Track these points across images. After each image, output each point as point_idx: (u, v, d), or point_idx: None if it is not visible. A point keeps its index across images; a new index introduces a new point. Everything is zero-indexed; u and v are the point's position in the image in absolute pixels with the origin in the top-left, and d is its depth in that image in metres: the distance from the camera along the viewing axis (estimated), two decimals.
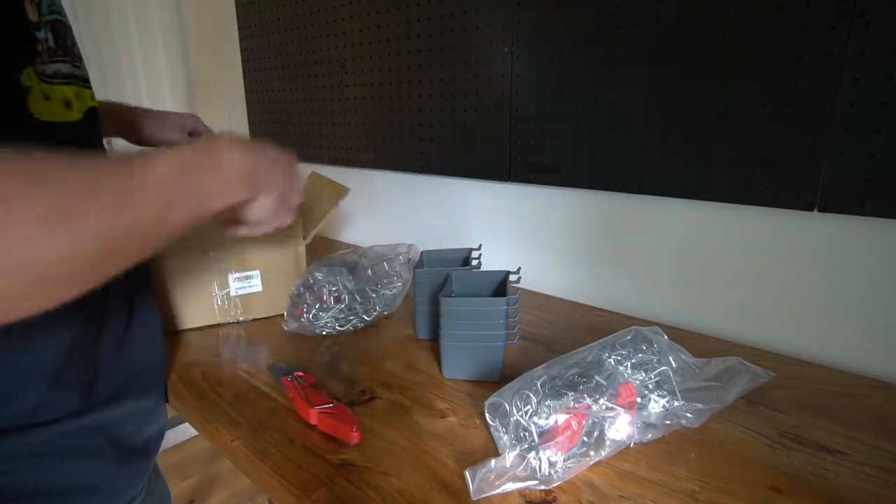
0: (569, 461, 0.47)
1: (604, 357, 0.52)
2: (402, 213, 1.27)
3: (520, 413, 0.48)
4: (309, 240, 0.89)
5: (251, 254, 0.82)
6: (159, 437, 0.59)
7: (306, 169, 1.06)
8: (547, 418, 0.47)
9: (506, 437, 0.48)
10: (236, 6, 1.57)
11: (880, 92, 0.60)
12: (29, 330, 0.43)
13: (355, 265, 0.84)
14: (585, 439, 0.48)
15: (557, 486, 0.46)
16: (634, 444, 0.51)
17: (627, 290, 0.89)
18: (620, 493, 0.46)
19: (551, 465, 0.46)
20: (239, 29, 1.59)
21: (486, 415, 0.51)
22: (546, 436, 0.46)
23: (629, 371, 0.51)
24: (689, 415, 0.51)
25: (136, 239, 0.34)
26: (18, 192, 0.27)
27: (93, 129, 0.50)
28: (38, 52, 0.42)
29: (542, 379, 0.50)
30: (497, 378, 0.65)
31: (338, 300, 0.78)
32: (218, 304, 0.82)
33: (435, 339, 0.73)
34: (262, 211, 0.49)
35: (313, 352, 0.74)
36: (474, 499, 0.45)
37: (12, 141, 0.27)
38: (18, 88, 0.40)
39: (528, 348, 0.74)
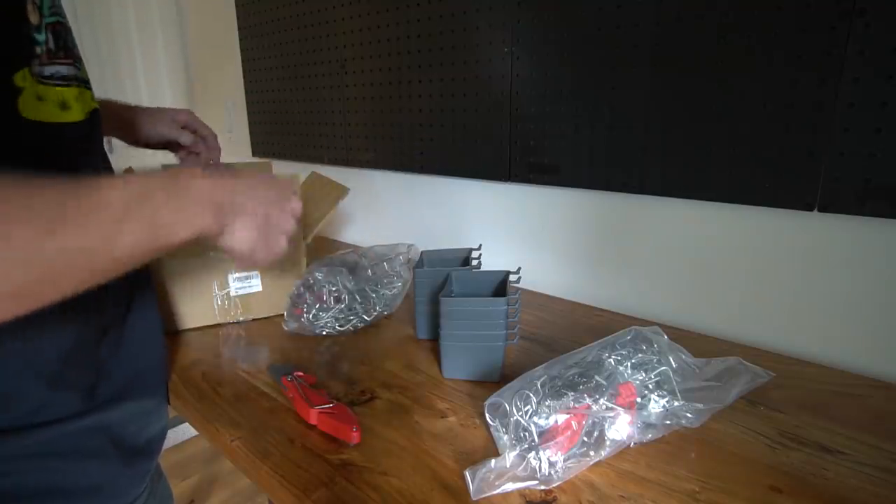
0: (569, 461, 0.47)
1: (604, 357, 0.52)
2: (402, 213, 1.27)
3: (520, 413, 0.48)
4: (309, 240, 0.89)
5: None
6: (161, 436, 0.59)
7: (306, 169, 1.06)
8: (547, 418, 0.47)
9: (506, 437, 0.48)
10: (236, 6, 1.57)
11: (880, 92, 0.60)
12: (29, 331, 0.43)
13: (355, 265, 0.84)
14: (585, 439, 0.48)
15: (557, 486, 0.46)
16: (634, 444, 0.51)
17: (627, 290, 0.89)
18: (620, 493, 0.46)
19: (551, 465, 0.46)
20: (239, 29, 1.59)
21: (486, 415, 0.51)
22: (546, 436, 0.47)
23: (629, 371, 0.51)
24: (689, 415, 0.51)
25: (80, 264, 0.32)
26: None
27: (93, 130, 0.50)
28: (36, 54, 0.42)
29: (542, 379, 0.50)
30: (497, 378, 0.65)
31: (338, 300, 0.79)
32: (218, 304, 0.82)
33: (435, 339, 0.73)
34: (243, 241, 0.45)
35: (313, 352, 0.74)
36: (474, 499, 0.45)
37: None
38: (10, 89, 0.40)
39: (528, 348, 0.74)
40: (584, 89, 0.85)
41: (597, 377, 0.50)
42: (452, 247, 0.83)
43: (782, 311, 0.74)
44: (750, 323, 0.77)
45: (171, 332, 0.79)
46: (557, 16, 0.86)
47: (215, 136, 0.82)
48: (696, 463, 0.50)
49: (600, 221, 0.91)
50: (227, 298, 0.82)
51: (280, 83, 1.49)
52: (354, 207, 1.39)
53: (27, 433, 0.44)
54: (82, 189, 0.33)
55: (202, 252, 0.79)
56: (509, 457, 0.46)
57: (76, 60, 0.48)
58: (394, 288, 0.84)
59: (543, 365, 0.53)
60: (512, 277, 0.68)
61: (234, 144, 1.75)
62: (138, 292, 0.55)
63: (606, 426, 0.48)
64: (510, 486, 0.45)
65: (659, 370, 0.52)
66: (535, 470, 0.46)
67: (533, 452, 0.46)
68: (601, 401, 0.48)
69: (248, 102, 1.65)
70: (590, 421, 0.48)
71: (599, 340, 0.55)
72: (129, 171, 0.93)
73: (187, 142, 0.79)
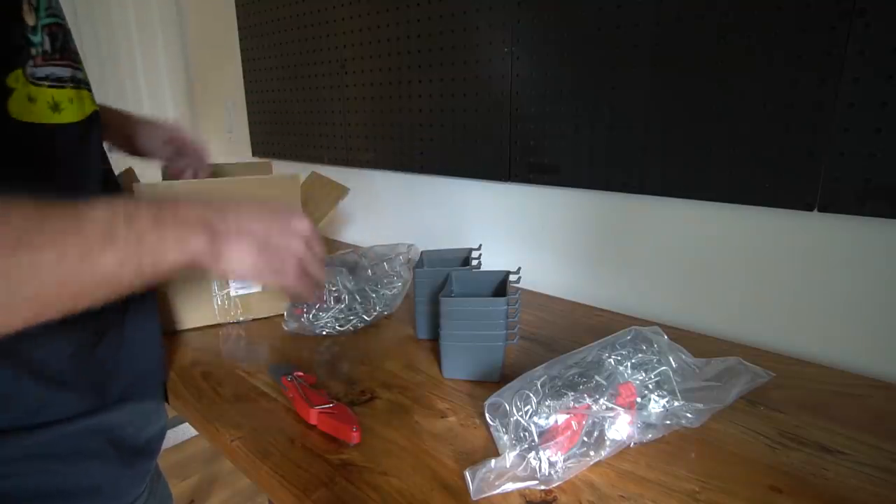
0: (569, 461, 0.47)
1: (604, 357, 0.52)
2: (402, 213, 1.27)
3: (520, 413, 0.48)
4: None
5: None
6: (161, 436, 0.59)
7: (306, 169, 1.06)
8: (547, 418, 0.47)
9: (506, 437, 0.48)
10: (236, 6, 1.57)
11: (880, 92, 0.60)
12: (28, 333, 0.43)
13: (355, 265, 0.84)
14: (585, 439, 0.48)
15: (557, 486, 0.46)
16: (634, 444, 0.51)
17: (627, 290, 0.89)
18: (620, 493, 0.46)
19: (551, 465, 0.46)
20: (239, 29, 1.59)
21: (486, 415, 0.51)
22: (546, 436, 0.47)
23: (629, 371, 0.51)
24: (689, 415, 0.51)
25: (57, 281, 0.32)
26: None
27: (91, 132, 0.50)
28: (30, 56, 0.42)
29: (542, 379, 0.50)
30: (497, 378, 0.65)
31: (338, 300, 0.79)
32: (218, 304, 0.82)
33: (435, 339, 0.73)
34: (243, 262, 0.42)
35: (313, 352, 0.74)
36: (474, 499, 0.45)
37: None
38: (1, 90, 0.40)
39: (528, 348, 0.74)
40: (584, 89, 0.85)
41: (597, 377, 0.50)
42: (452, 247, 0.83)
43: (782, 311, 0.74)
44: (750, 323, 0.77)
45: (172, 333, 0.79)
46: (557, 16, 0.86)
47: (204, 151, 0.83)
48: (696, 463, 0.50)
49: (600, 221, 0.91)
50: (227, 298, 0.82)
51: (280, 83, 1.49)
52: (354, 207, 1.39)
53: (27, 434, 0.44)
54: (65, 206, 0.33)
55: (202, 279, 0.78)
56: (509, 457, 0.46)
57: (74, 62, 0.48)
58: (394, 288, 0.84)
59: (543, 365, 0.53)
60: (512, 277, 0.68)
61: (234, 144, 1.75)
62: (137, 295, 0.55)
63: (606, 426, 0.48)
64: (510, 486, 0.45)
65: (659, 370, 0.52)
66: (535, 470, 0.46)
67: (533, 452, 0.46)
68: (601, 401, 0.48)
69: (248, 102, 1.65)
70: (590, 421, 0.48)
71: (599, 340, 0.55)
72: (129, 170, 0.93)
73: (172, 158, 0.80)
